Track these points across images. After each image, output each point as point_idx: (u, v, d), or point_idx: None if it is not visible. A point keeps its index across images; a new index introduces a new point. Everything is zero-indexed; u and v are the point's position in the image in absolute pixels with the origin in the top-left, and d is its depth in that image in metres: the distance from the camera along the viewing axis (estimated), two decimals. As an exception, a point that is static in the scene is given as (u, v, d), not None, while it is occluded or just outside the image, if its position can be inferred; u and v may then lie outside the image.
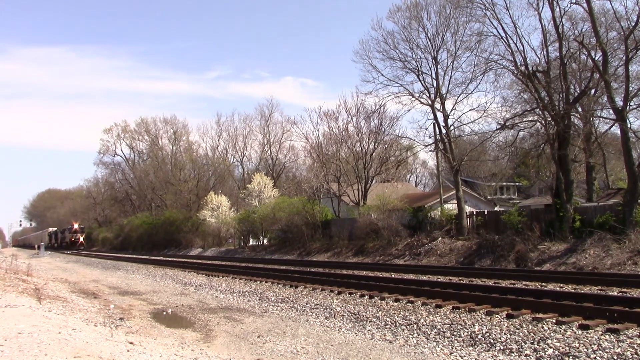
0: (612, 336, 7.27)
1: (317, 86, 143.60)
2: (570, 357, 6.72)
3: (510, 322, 8.62)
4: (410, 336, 8.58)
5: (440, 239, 24.01)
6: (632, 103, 20.31)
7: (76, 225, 77.09)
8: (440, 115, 27.00)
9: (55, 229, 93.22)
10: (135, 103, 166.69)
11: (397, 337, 8.59)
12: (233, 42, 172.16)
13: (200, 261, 32.18)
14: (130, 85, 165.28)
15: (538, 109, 21.85)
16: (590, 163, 26.45)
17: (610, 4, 22.16)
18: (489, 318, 9.07)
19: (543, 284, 13.56)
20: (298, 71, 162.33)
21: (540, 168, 27.79)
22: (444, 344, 8.00)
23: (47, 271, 27.89)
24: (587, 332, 7.56)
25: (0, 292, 12.51)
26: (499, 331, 8.14)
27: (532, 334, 7.78)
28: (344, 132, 38.12)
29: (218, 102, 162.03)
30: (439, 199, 29.40)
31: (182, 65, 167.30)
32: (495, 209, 34.73)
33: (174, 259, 36.21)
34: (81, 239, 75.59)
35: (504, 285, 13.14)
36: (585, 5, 19.86)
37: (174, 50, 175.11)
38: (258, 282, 17.16)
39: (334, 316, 10.65)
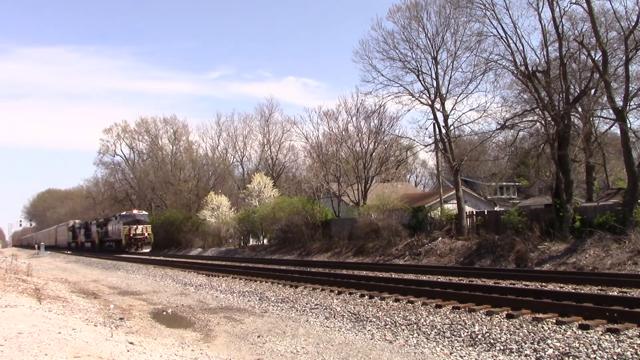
0: (612, 336, 7.27)
1: (319, 86, 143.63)
2: (570, 357, 6.72)
3: (510, 322, 8.62)
4: (410, 336, 8.58)
5: (440, 239, 24.00)
6: (632, 103, 20.35)
7: (136, 211, 48.27)
8: (440, 115, 27.05)
9: (78, 221, 67.63)
10: (137, 103, 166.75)
11: (397, 337, 8.59)
12: (235, 43, 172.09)
13: (200, 261, 32.17)
14: (132, 86, 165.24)
15: (538, 109, 21.86)
16: (590, 163, 26.46)
17: (610, 4, 22.20)
18: (489, 318, 9.07)
19: (543, 284, 13.56)
20: (300, 71, 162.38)
21: (540, 168, 27.75)
22: (444, 344, 8.00)
23: (47, 271, 27.87)
24: (587, 332, 7.57)
25: (0, 292, 12.51)
26: (499, 331, 8.15)
27: (532, 334, 7.78)
28: (343, 132, 38.20)
29: (220, 103, 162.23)
30: (439, 199, 29.40)
31: (184, 66, 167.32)
32: (495, 209, 34.73)
33: (174, 259, 36.18)
34: (147, 234, 45.93)
35: (504, 285, 13.14)
36: (585, 5, 19.87)
37: (176, 50, 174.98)
38: (258, 282, 17.15)
39: (334, 316, 10.64)
